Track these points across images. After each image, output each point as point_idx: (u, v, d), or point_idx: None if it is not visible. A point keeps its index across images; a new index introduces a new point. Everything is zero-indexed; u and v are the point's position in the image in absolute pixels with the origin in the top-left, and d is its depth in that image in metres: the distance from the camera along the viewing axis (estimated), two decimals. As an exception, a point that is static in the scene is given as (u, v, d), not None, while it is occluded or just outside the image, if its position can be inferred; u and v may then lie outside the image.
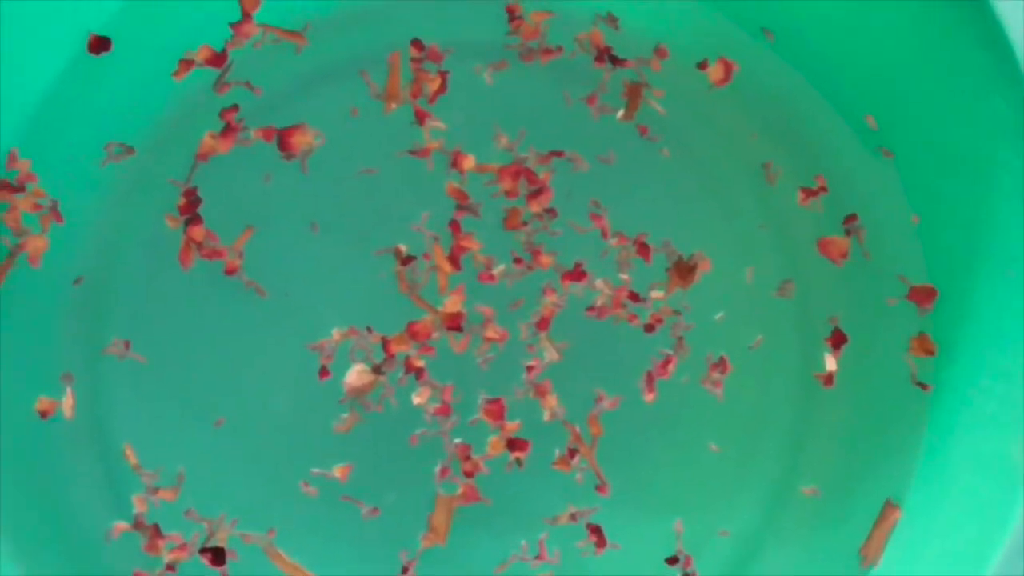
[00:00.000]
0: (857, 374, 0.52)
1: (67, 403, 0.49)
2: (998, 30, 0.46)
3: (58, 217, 0.50)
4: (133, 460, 0.49)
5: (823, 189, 0.53)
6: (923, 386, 0.51)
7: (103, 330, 0.51)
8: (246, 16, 0.52)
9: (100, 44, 0.51)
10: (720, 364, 0.51)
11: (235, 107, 0.52)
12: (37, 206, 0.51)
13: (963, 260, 0.51)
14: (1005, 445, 0.47)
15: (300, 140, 0.51)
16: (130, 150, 0.51)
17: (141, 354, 0.50)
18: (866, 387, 0.52)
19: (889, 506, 0.51)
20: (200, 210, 0.51)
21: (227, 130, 0.51)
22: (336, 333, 0.49)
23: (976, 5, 0.46)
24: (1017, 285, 0.48)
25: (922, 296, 0.52)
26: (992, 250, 0.49)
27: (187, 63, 0.51)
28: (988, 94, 0.47)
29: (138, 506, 0.50)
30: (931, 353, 0.51)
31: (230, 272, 0.51)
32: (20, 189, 0.51)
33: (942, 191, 0.51)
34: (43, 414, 0.49)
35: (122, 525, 0.50)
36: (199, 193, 0.51)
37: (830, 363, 0.51)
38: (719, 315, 0.52)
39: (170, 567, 0.50)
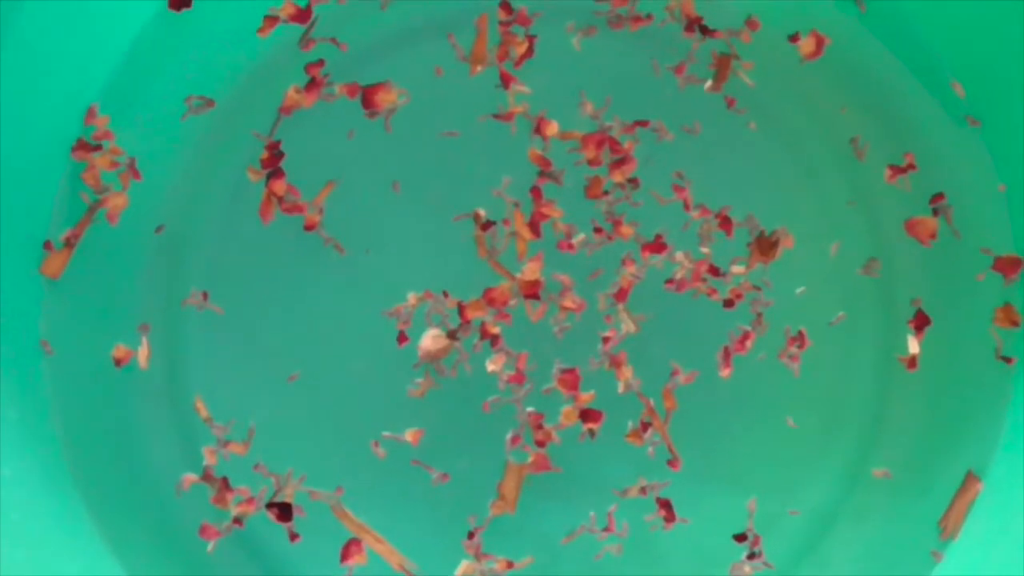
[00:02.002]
0: (941, 352, 0.50)
1: (143, 353, 0.47)
2: None
3: (136, 174, 0.48)
4: (204, 413, 0.48)
5: (911, 167, 0.50)
6: (1007, 360, 0.49)
7: (182, 281, 0.50)
8: (331, -30, 0.49)
9: (181, 1, 0.47)
10: (798, 338, 0.49)
11: (320, 62, 0.49)
12: (115, 163, 0.49)
13: None
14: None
15: (384, 98, 0.49)
16: (210, 102, 0.49)
17: (218, 306, 0.46)
18: (950, 364, 0.50)
19: (971, 478, 0.49)
20: (282, 164, 0.47)
21: (311, 85, 0.49)
22: (412, 297, 0.47)
23: None
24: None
25: (1008, 266, 0.50)
26: None
27: (272, 19, 0.49)
28: None
29: (208, 458, 0.48)
30: (1016, 324, 0.49)
31: (310, 228, 0.49)
32: (98, 147, 0.48)
33: None
34: (118, 362, 0.48)
35: (191, 477, 0.49)
36: (282, 147, 0.48)
37: (913, 346, 0.48)
38: (800, 289, 0.49)
39: (237, 520, 0.48)
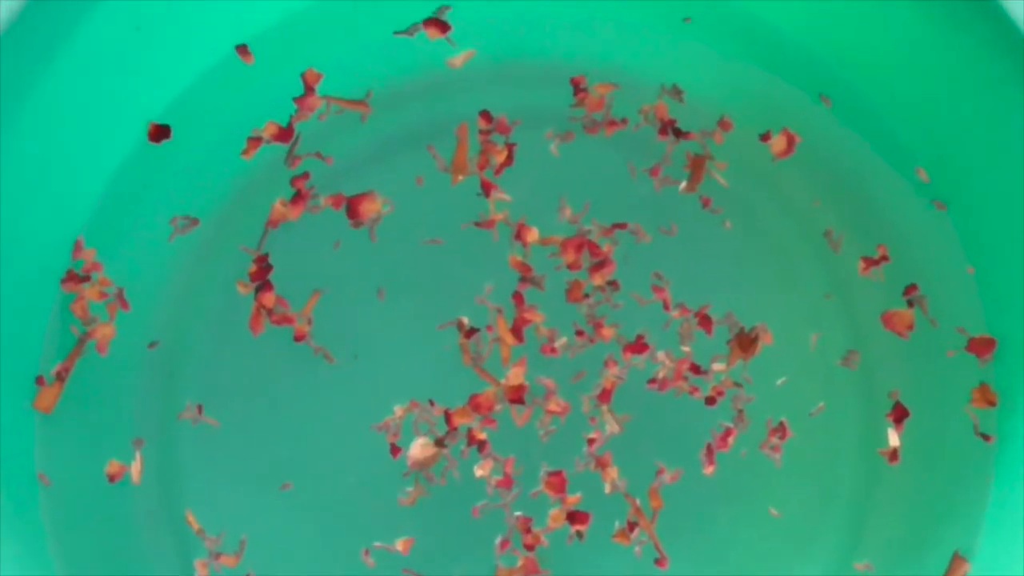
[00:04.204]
0: (921, 440, 0.48)
1: (136, 468, 0.45)
2: None
3: (124, 304, 0.47)
4: (196, 525, 0.47)
5: (885, 258, 0.49)
6: (986, 437, 0.47)
7: (177, 395, 0.49)
8: (309, 89, 0.49)
9: (160, 132, 0.47)
10: (780, 429, 0.48)
11: (306, 175, 0.48)
12: (103, 294, 0.47)
13: (1021, 308, 0.47)
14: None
15: (368, 208, 0.48)
16: (195, 221, 0.48)
17: (213, 418, 0.45)
18: (931, 450, 0.48)
19: (957, 559, 0.47)
20: (270, 277, 0.46)
21: (297, 198, 0.48)
22: (399, 409, 0.45)
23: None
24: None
25: (981, 347, 0.48)
26: None
27: (255, 140, 0.48)
28: None
29: (200, 571, 0.47)
30: (993, 404, 0.48)
31: (299, 338, 0.48)
32: (86, 279, 0.47)
33: (996, 240, 0.48)
34: (111, 478, 0.46)
35: (187, 590, 0.45)
36: (270, 260, 0.46)
37: (893, 439, 0.46)
38: (781, 380, 0.48)
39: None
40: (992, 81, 0.44)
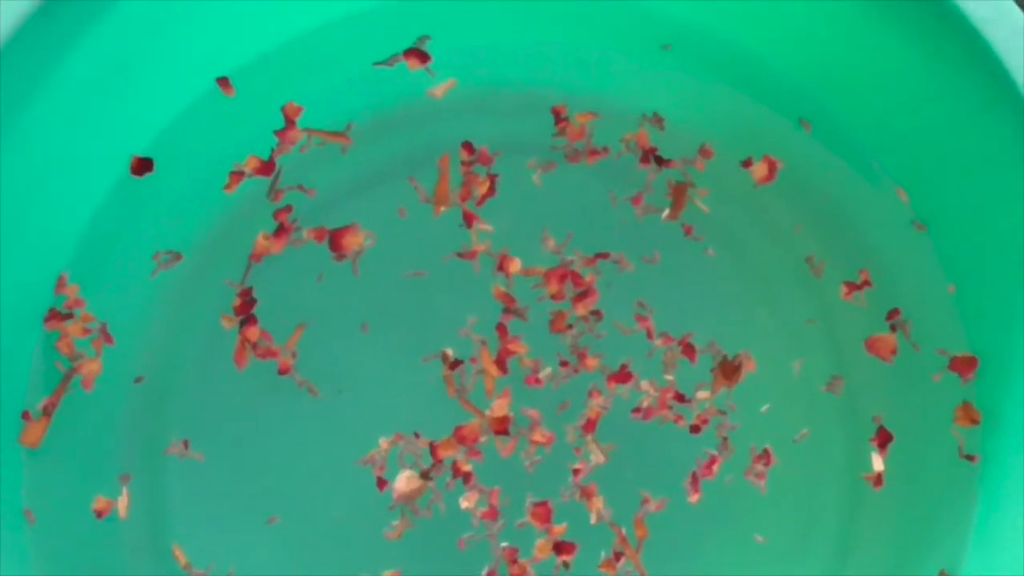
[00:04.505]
0: (906, 462, 0.48)
1: (123, 503, 0.45)
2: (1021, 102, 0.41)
3: (108, 339, 0.46)
4: (183, 560, 0.47)
5: (867, 283, 0.48)
6: (970, 458, 0.47)
7: (163, 430, 0.48)
8: (289, 123, 0.49)
9: (143, 166, 0.47)
10: (764, 456, 0.48)
11: (288, 208, 0.47)
12: (87, 331, 0.47)
13: (1001, 326, 0.47)
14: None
15: (351, 241, 0.47)
16: (178, 256, 0.47)
17: (199, 453, 0.45)
18: (916, 472, 0.48)
19: None
20: (255, 310, 0.46)
21: (280, 231, 0.48)
22: (384, 442, 0.45)
23: (1002, 79, 0.42)
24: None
25: (963, 366, 0.48)
26: None
27: (237, 175, 0.48)
28: (1015, 162, 0.44)
29: (189, 606, 0.45)
30: (976, 422, 0.48)
31: (284, 372, 0.48)
32: (69, 316, 0.47)
33: (976, 260, 0.48)
34: (99, 514, 0.46)
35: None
36: (254, 294, 0.46)
37: (877, 464, 0.46)
38: (765, 407, 0.48)
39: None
40: (968, 103, 0.44)
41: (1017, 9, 0.41)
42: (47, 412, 0.46)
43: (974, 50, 0.42)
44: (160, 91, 0.47)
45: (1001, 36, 0.41)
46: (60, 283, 0.47)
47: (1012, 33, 0.41)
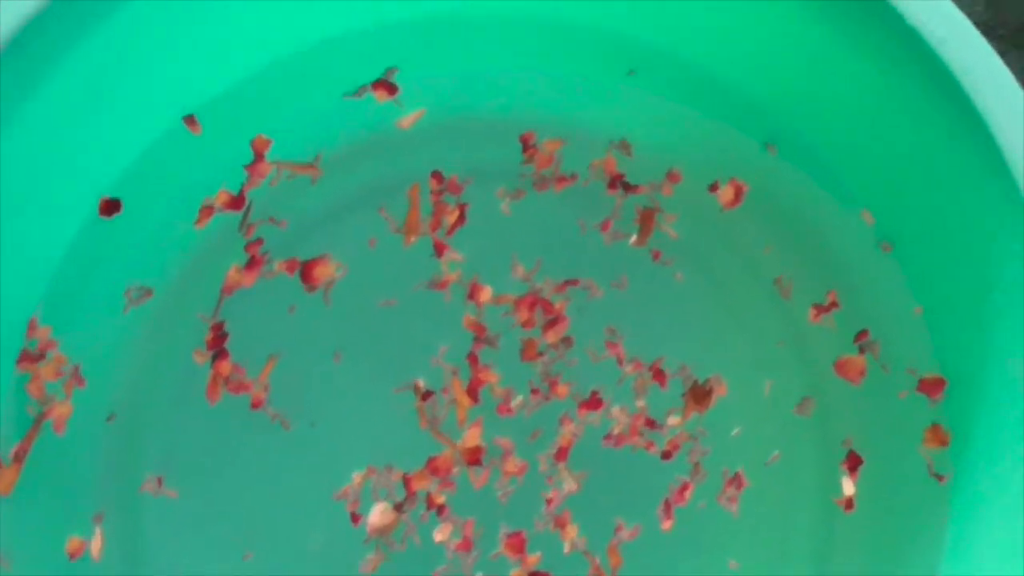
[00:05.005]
0: (877, 484, 0.48)
1: (95, 543, 0.45)
2: (983, 127, 0.41)
3: (80, 381, 0.46)
4: (160, 597, 0.44)
5: (835, 304, 0.48)
6: (940, 478, 0.47)
7: (137, 467, 0.48)
8: (258, 156, 0.49)
9: (111, 206, 0.47)
10: (736, 480, 0.48)
11: (259, 240, 0.47)
12: (59, 372, 0.46)
13: (969, 348, 0.47)
14: (1024, 537, 0.41)
15: (322, 272, 0.47)
16: (148, 292, 0.46)
17: (173, 490, 0.45)
18: (887, 494, 0.48)
19: None
20: (227, 344, 0.46)
21: (251, 264, 0.47)
22: (357, 476, 0.45)
23: (961, 100, 0.42)
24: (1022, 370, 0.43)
25: (932, 387, 0.48)
26: (996, 337, 0.45)
27: (207, 210, 0.47)
28: (979, 185, 0.43)
29: (164, 643, 0.45)
30: (945, 444, 0.48)
31: (256, 405, 0.48)
32: (41, 357, 0.46)
33: (943, 280, 0.48)
34: (71, 555, 0.46)
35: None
36: (226, 327, 0.46)
37: (848, 487, 0.46)
38: (736, 430, 0.47)
39: None
40: (929, 124, 0.44)
41: (973, 28, 0.40)
42: (18, 458, 0.46)
43: (933, 71, 0.42)
44: (127, 129, 0.47)
45: (958, 56, 0.41)
46: (31, 325, 0.46)
47: (969, 53, 0.41)
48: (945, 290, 0.46)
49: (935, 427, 0.47)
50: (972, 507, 0.46)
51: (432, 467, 0.46)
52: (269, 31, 0.47)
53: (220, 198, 0.48)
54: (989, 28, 0.53)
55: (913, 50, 0.42)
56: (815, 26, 0.45)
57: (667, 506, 0.47)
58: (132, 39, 0.44)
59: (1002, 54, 0.42)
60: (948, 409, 0.47)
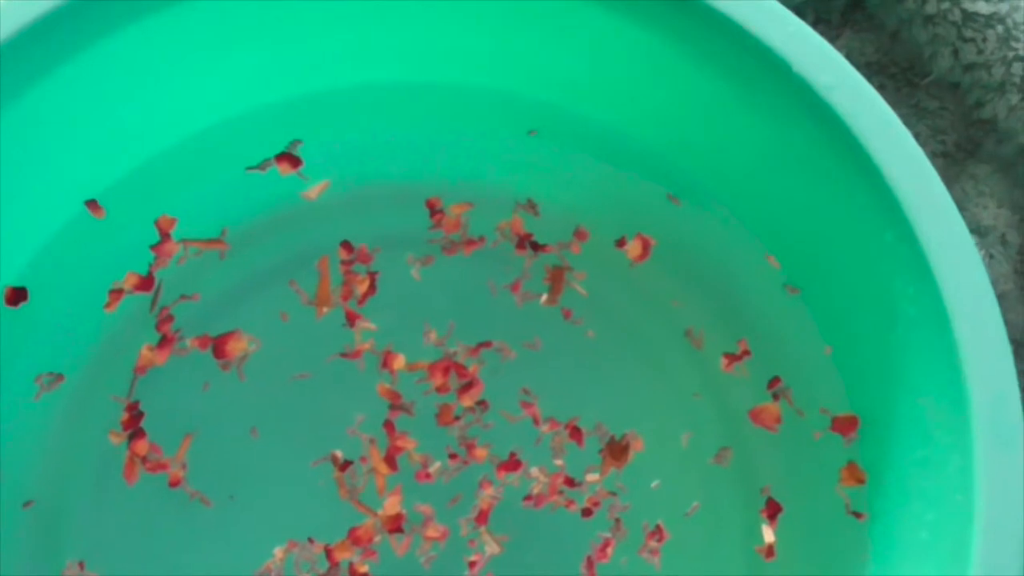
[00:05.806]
0: (797, 530, 0.48)
1: (15, 637, 0.44)
2: (875, 170, 0.42)
3: None
4: None
5: (746, 352, 0.48)
6: (858, 515, 0.47)
7: (57, 553, 0.47)
8: (164, 236, 0.48)
9: (16, 296, 0.46)
10: (657, 532, 0.48)
11: (171, 318, 0.46)
12: (-28, 467, 0.45)
13: (879, 387, 0.46)
14: (941, 573, 0.42)
15: (235, 347, 0.47)
16: (60, 377, 0.45)
17: (95, 574, 0.44)
18: (807, 538, 0.48)
19: None
20: (142, 423, 0.45)
21: (163, 342, 0.47)
22: (278, 551, 0.44)
23: (855, 149, 0.42)
24: (933, 409, 0.43)
25: (845, 426, 0.48)
26: (905, 376, 0.45)
27: (116, 293, 0.47)
28: (875, 226, 0.43)
29: None
30: (862, 481, 0.47)
31: (174, 484, 0.48)
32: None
33: (849, 320, 0.47)
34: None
35: None
36: (141, 407, 0.45)
37: (768, 535, 0.46)
38: (655, 483, 0.47)
39: None
40: (822, 169, 0.44)
41: (858, 74, 0.41)
42: (-69, 554, 0.45)
43: (824, 118, 0.42)
44: (30, 218, 0.46)
45: (846, 102, 0.41)
46: None
47: (856, 98, 0.41)
48: (852, 330, 0.47)
49: (851, 465, 0.47)
50: (891, 544, 0.46)
51: (354, 537, 0.46)
52: (170, 113, 0.46)
53: (129, 280, 0.48)
54: (881, 67, 0.54)
55: (803, 99, 0.42)
56: (709, 83, 0.45)
57: (589, 563, 0.46)
58: (30, 128, 0.44)
59: (895, 91, 0.42)
60: (863, 447, 0.47)
